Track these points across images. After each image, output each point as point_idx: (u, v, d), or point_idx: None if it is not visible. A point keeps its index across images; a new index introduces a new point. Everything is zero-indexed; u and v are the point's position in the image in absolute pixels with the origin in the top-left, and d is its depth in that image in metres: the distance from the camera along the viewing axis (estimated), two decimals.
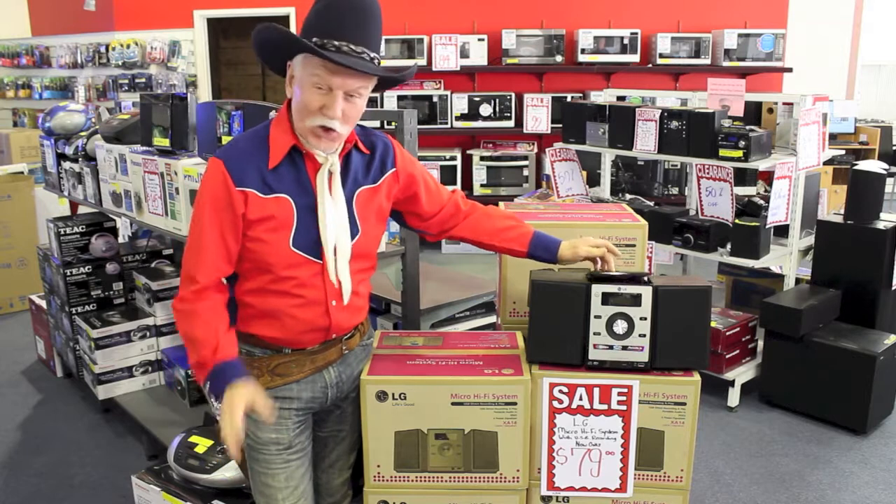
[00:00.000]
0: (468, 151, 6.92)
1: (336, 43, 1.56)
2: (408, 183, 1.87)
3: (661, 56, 6.74)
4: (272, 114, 2.41)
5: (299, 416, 1.82)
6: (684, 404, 1.87)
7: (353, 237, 1.74)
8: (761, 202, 4.07)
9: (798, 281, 4.02)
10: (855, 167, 3.90)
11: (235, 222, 1.65)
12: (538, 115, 6.58)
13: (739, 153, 3.75)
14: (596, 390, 1.87)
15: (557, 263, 1.93)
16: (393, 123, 2.59)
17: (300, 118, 1.64)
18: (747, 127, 3.84)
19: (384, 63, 6.30)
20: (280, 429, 1.78)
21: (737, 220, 3.86)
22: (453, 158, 6.75)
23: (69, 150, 3.65)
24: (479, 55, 6.67)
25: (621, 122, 4.26)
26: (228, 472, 2.41)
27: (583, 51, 6.70)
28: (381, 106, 6.38)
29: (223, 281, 1.71)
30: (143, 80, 7.04)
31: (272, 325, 1.74)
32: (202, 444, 2.52)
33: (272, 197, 1.65)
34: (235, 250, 1.68)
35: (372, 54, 1.62)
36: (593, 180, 5.03)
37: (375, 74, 1.62)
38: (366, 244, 1.78)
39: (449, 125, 6.74)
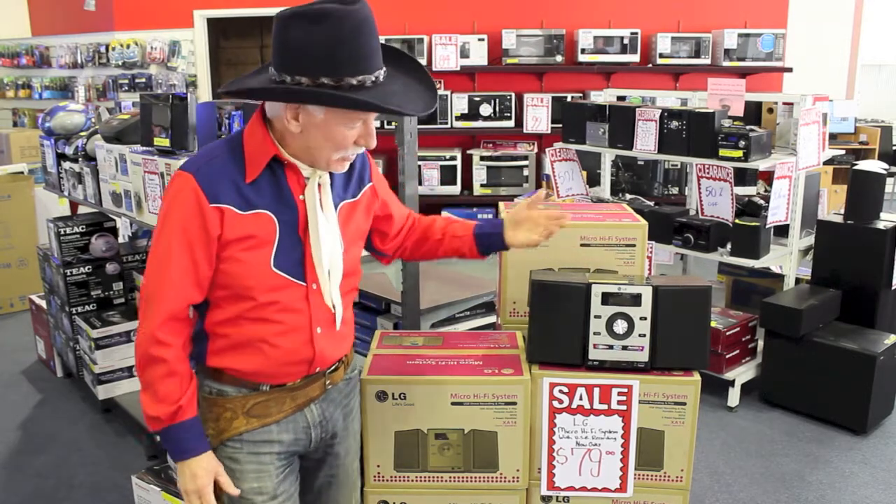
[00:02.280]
0: (468, 151, 6.92)
1: (356, 80, 1.39)
2: (383, 199, 1.76)
3: (661, 56, 6.74)
4: None
5: (282, 460, 1.63)
6: (684, 404, 1.88)
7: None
8: (761, 202, 4.07)
9: (798, 281, 4.02)
10: (855, 167, 3.90)
11: (209, 244, 1.46)
12: (538, 115, 6.58)
13: (739, 153, 3.75)
14: (596, 390, 1.87)
15: (504, 233, 1.79)
16: (393, 123, 2.59)
17: (323, 149, 1.47)
18: (747, 127, 3.84)
19: None
20: (262, 476, 1.60)
21: (737, 220, 3.86)
22: (453, 158, 6.75)
23: (69, 150, 3.65)
24: (479, 55, 6.67)
25: (621, 122, 4.26)
26: None
27: (583, 51, 6.70)
28: None
29: (191, 309, 1.53)
30: (143, 80, 7.04)
31: (250, 357, 1.54)
32: None
33: (251, 213, 1.48)
34: (207, 276, 1.49)
35: (384, 71, 1.46)
36: (593, 180, 5.02)
37: (416, 114, 1.49)
38: (351, 260, 1.63)
39: (449, 125, 6.74)
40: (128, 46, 6.96)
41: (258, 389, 1.58)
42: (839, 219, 3.86)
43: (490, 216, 6.53)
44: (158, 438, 1.53)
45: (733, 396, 3.74)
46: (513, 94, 6.72)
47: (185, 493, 1.53)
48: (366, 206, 1.70)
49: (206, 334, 1.57)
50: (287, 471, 1.65)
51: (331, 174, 1.57)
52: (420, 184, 6.26)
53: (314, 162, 1.51)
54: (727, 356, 3.74)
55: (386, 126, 6.43)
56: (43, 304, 4.24)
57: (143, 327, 1.49)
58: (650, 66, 6.84)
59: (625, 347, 1.86)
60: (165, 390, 1.48)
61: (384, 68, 1.45)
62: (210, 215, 1.45)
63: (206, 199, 1.44)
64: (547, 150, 4.81)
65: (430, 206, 6.33)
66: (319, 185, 1.53)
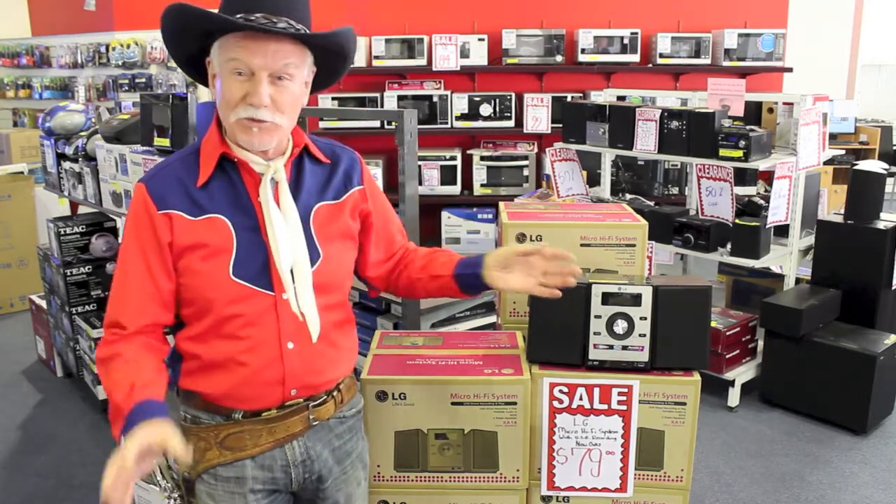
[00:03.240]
0: (468, 151, 6.91)
1: (251, 17, 1.33)
2: (374, 207, 1.59)
3: (662, 56, 6.73)
4: None
5: (259, 500, 1.49)
6: (684, 404, 1.87)
7: (312, 262, 1.45)
8: (761, 202, 4.08)
9: (798, 281, 4.02)
10: (855, 167, 3.90)
11: (162, 254, 1.39)
12: (538, 114, 6.57)
13: (739, 153, 3.75)
14: (596, 390, 1.87)
15: (486, 273, 1.57)
16: (393, 123, 2.59)
17: (225, 116, 1.39)
18: (747, 127, 3.84)
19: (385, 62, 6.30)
20: None
21: (737, 220, 3.86)
22: (453, 158, 6.75)
23: (69, 150, 3.65)
24: (479, 55, 6.67)
25: (621, 122, 4.26)
26: None
27: (583, 51, 6.69)
28: (382, 106, 6.39)
29: (162, 330, 1.44)
30: (144, 80, 7.03)
31: (218, 378, 1.43)
32: None
33: (203, 218, 1.39)
34: (168, 289, 1.41)
35: (298, 25, 1.37)
36: (593, 180, 5.02)
37: (293, 36, 1.36)
38: (330, 272, 1.48)
39: (449, 125, 6.73)
40: (128, 46, 6.96)
41: (231, 418, 1.46)
42: (839, 219, 3.86)
43: (490, 216, 6.53)
44: (123, 438, 1.30)
45: (733, 396, 3.74)
46: (513, 94, 6.72)
47: (130, 456, 1.25)
48: (352, 210, 1.55)
49: (178, 355, 1.48)
50: None
51: (304, 171, 1.49)
52: (420, 184, 6.26)
53: (234, 135, 1.40)
54: (727, 356, 3.74)
55: (386, 126, 6.43)
56: (43, 304, 4.24)
57: (104, 343, 1.40)
58: (650, 66, 6.83)
59: (625, 347, 1.86)
60: (120, 376, 1.35)
61: (302, 25, 1.38)
62: (159, 222, 1.39)
63: (155, 206, 1.39)
64: (547, 150, 4.81)
65: (430, 206, 6.33)
66: (275, 180, 1.43)
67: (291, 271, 1.42)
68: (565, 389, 1.87)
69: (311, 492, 1.57)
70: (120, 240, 1.42)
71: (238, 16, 1.34)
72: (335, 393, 1.55)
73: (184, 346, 1.46)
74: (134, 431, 1.27)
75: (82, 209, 3.88)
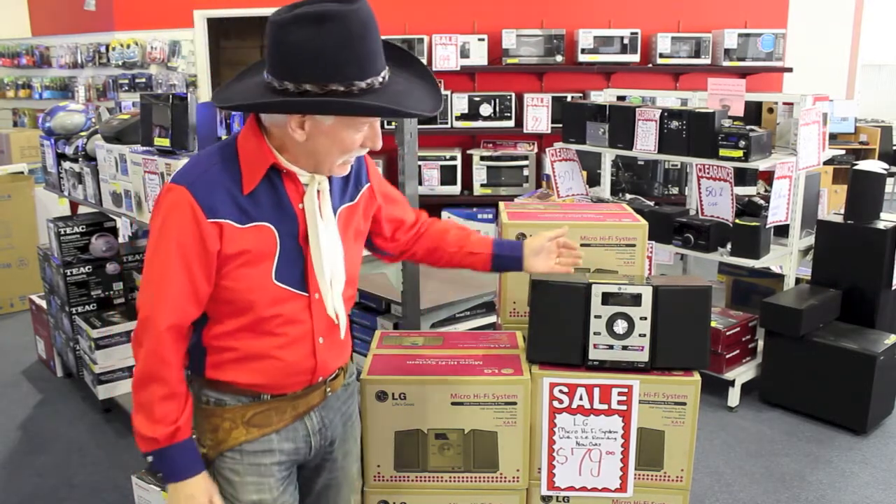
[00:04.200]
0: (468, 151, 6.91)
1: (366, 84, 1.35)
2: (381, 196, 1.71)
3: (662, 56, 6.73)
4: None
5: (282, 471, 1.59)
6: (684, 404, 1.88)
7: None
8: (761, 202, 4.08)
9: (798, 281, 4.02)
10: (855, 167, 3.90)
11: (208, 262, 1.41)
12: (538, 114, 6.57)
13: (739, 153, 3.75)
14: (596, 390, 1.87)
15: (524, 259, 1.81)
16: (393, 124, 2.59)
17: (329, 158, 1.43)
18: (747, 127, 3.84)
19: None
20: (262, 488, 1.56)
21: (737, 220, 3.86)
22: (453, 158, 6.75)
23: (69, 150, 3.65)
24: (479, 55, 6.67)
25: (621, 122, 4.26)
26: None
27: (583, 51, 6.69)
28: None
29: (190, 323, 1.48)
30: (144, 80, 7.03)
31: (252, 370, 1.51)
32: None
33: (251, 226, 1.42)
34: (206, 292, 1.44)
35: (387, 70, 1.42)
36: (593, 180, 5.02)
37: (428, 114, 1.43)
38: (350, 270, 1.59)
39: (449, 125, 6.73)
40: (128, 46, 6.96)
41: (259, 399, 1.54)
42: (839, 219, 3.86)
43: (490, 216, 6.53)
44: (150, 459, 1.45)
45: (733, 396, 3.74)
46: (513, 94, 6.72)
47: None
48: (364, 209, 1.65)
49: (203, 348, 1.52)
50: (287, 482, 1.61)
51: (332, 180, 1.54)
52: (420, 184, 6.26)
53: (318, 168, 1.46)
54: (727, 356, 3.74)
55: (386, 126, 6.40)
56: (43, 304, 4.24)
57: (142, 347, 1.43)
58: (650, 66, 6.83)
59: (625, 347, 1.86)
60: (163, 411, 1.43)
61: (387, 67, 1.41)
62: (208, 231, 1.39)
63: (204, 215, 1.38)
64: (547, 150, 4.81)
65: (431, 206, 6.32)
66: (319, 191, 1.48)
67: (331, 278, 1.51)
68: (565, 389, 1.87)
69: (321, 456, 1.68)
70: (145, 235, 1.47)
71: (352, 85, 1.34)
72: (344, 365, 1.69)
73: (214, 341, 1.50)
74: (187, 491, 1.47)
75: (82, 209, 3.88)
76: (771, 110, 4.40)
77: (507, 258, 1.82)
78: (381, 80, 1.37)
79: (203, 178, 1.41)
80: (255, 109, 1.43)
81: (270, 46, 1.35)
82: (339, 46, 1.30)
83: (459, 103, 6.68)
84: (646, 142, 4.15)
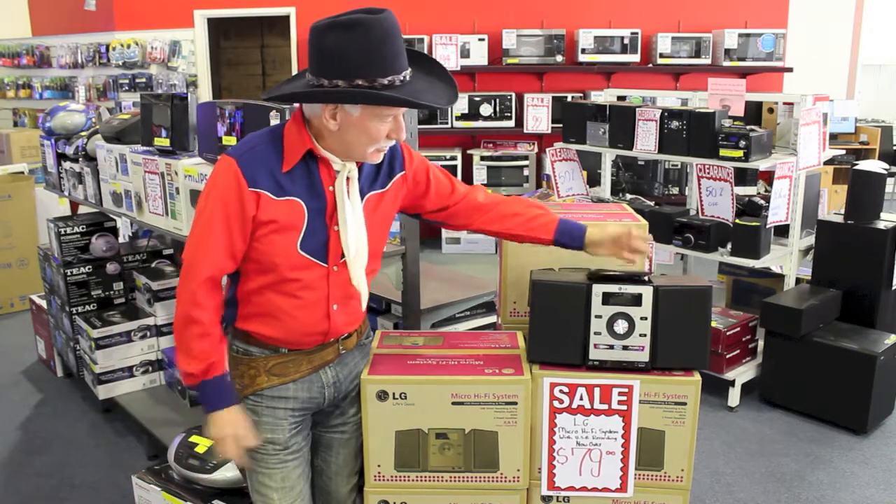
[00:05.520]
0: (468, 151, 6.92)
1: (387, 80, 1.56)
2: (416, 183, 1.88)
3: (662, 56, 6.73)
4: (272, 114, 2.40)
5: (296, 416, 1.82)
6: (685, 404, 1.87)
7: None
8: (762, 202, 4.08)
9: (798, 281, 4.02)
10: (855, 167, 3.90)
11: (245, 222, 1.65)
12: (538, 114, 6.58)
13: (740, 153, 3.75)
14: (596, 390, 1.87)
15: (585, 249, 1.92)
16: None
17: (363, 145, 1.64)
18: (748, 127, 3.84)
19: None
20: (276, 429, 1.80)
21: (737, 220, 3.86)
22: (454, 158, 6.75)
23: (69, 150, 3.65)
24: (479, 55, 6.67)
25: (622, 122, 4.26)
26: (229, 472, 2.41)
27: (583, 51, 6.70)
28: None
29: (224, 277, 1.72)
30: (144, 80, 7.03)
31: (271, 324, 1.75)
32: (202, 443, 2.52)
33: (284, 199, 1.65)
34: (241, 249, 1.68)
35: (409, 71, 1.62)
36: (594, 180, 5.02)
37: (443, 107, 1.67)
38: (373, 248, 1.79)
39: (449, 125, 6.74)
40: (128, 46, 6.96)
41: (278, 352, 1.78)
42: (839, 219, 3.86)
43: None
44: (195, 393, 1.76)
45: (733, 396, 3.74)
46: (513, 94, 6.72)
47: (219, 440, 1.71)
48: (394, 195, 1.84)
49: (236, 301, 1.77)
50: (300, 427, 1.84)
51: (363, 168, 1.75)
52: None
53: (350, 155, 1.67)
54: (727, 356, 3.74)
55: None
56: (43, 304, 4.24)
57: (183, 290, 1.67)
58: (650, 66, 6.84)
59: (625, 347, 1.86)
60: (199, 348, 1.66)
61: (409, 69, 1.61)
62: (248, 198, 1.62)
63: (246, 183, 1.62)
64: (547, 150, 4.81)
65: None
66: (348, 178, 1.69)
67: (355, 253, 1.72)
68: (566, 389, 1.87)
69: (332, 406, 1.91)
70: (197, 199, 1.78)
71: (375, 80, 1.55)
72: (357, 328, 1.90)
73: (243, 295, 1.75)
74: (222, 421, 1.70)
75: (82, 209, 3.88)
76: (771, 110, 4.40)
77: (568, 244, 1.94)
78: (402, 78, 1.58)
79: (250, 153, 1.65)
80: (292, 100, 1.68)
81: (310, 48, 1.60)
82: (365, 49, 1.53)
83: (460, 103, 6.68)
84: (646, 142, 4.15)
